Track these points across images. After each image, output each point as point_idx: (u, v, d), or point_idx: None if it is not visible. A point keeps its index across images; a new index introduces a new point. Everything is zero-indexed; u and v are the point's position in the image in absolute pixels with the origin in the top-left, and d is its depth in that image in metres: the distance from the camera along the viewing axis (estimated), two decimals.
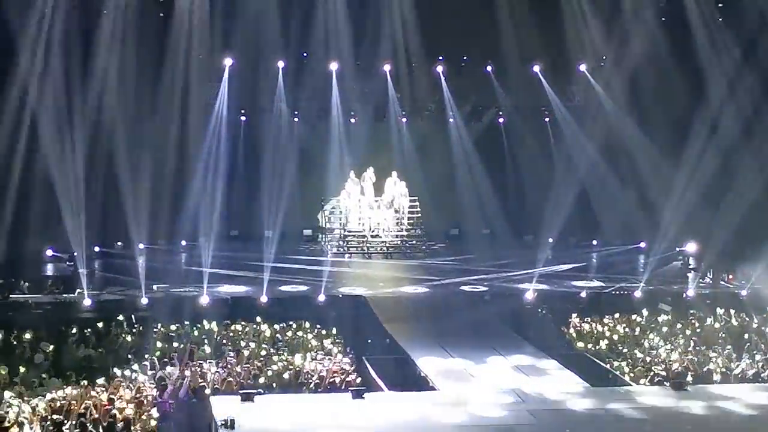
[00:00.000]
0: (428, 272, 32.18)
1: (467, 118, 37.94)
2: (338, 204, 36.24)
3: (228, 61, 33.99)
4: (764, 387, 22.22)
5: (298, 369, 22.52)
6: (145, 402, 20.15)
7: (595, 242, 36.87)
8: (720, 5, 32.72)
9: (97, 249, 32.19)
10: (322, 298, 27.96)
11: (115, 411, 19.44)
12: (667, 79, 32.50)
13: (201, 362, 22.68)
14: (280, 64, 34.74)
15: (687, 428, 19.51)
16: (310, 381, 22.07)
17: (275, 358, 23.21)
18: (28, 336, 23.92)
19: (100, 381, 20.99)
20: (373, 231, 35.51)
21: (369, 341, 25.34)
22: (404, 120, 37.76)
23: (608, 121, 34.51)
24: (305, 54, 34.55)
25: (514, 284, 30.26)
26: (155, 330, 24.92)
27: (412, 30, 33.09)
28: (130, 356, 23.10)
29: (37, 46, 29.89)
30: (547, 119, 37.71)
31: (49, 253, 31.92)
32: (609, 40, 33.42)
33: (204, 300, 27.40)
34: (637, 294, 29.19)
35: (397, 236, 35.74)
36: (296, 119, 36.79)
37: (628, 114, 34.08)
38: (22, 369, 21.62)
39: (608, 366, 23.77)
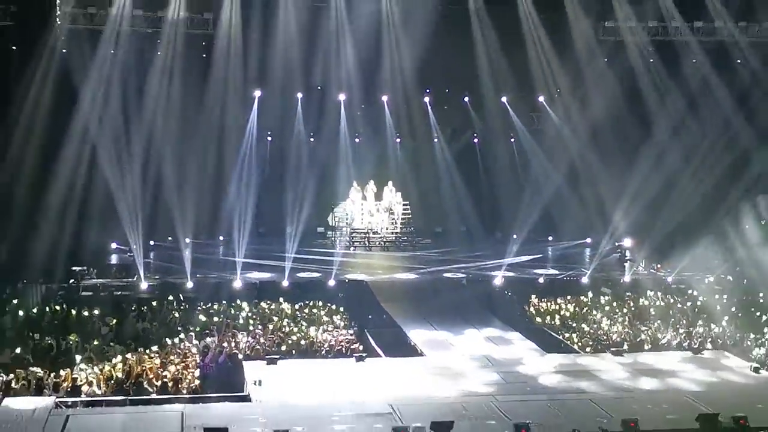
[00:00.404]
0: (417, 262, 32.18)
1: (448, 139, 37.94)
2: (345, 208, 36.26)
3: (257, 93, 34.07)
4: (685, 354, 22.42)
5: (312, 339, 22.62)
6: (191, 365, 20.25)
7: (550, 238, 36.85)
8: (652, 48, 32.77)
9: (152, 243, 32.24)
10: (332, 282, 28.00)
11: (166, 372, 19.60)
12: (616, 107, 32.45)
13: (235, 333, 22.78)
14: (299, 95, 34.87)
15: (624, 385, 19.71)
16: (322, 348, 22.18)
17: (294, 330, 23.27)
18: (96, 312, 23.95)
19: (154, 348, 21.13)
20: (373, 229, 35.58)
21: (369, 317, 25.36)
22: (398, 140, 37.81)
23: (563, 142, 34.56)
24: (319, 87, 34.64)
25: (486, 272, 30.29)
26: (199, 308, 24.95)
27: (406, 68, 33.13)
28: (179, 329, 23.13)
29: (100, 78, 29.92)
30: (513, 140, 37.70)
31: (114, 246, 31.95)
32: (564, 76, 33.46)
33: (237, 284, 27.44)
34: (584, 280, 29.23)
35: (392, 233, 35.77)
36: (312, 139, 36.84)
37: (580, 137, 34.05)
38: (94, 341, 21.61)
39: (561, 337, 23.87)
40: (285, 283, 27.54)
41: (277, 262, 29.79)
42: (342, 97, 34.91)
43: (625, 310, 25.75)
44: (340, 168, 36.17)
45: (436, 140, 37.63)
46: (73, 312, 24.01)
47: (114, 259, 31.31)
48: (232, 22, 31.48)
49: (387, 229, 35.63)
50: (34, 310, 24.47)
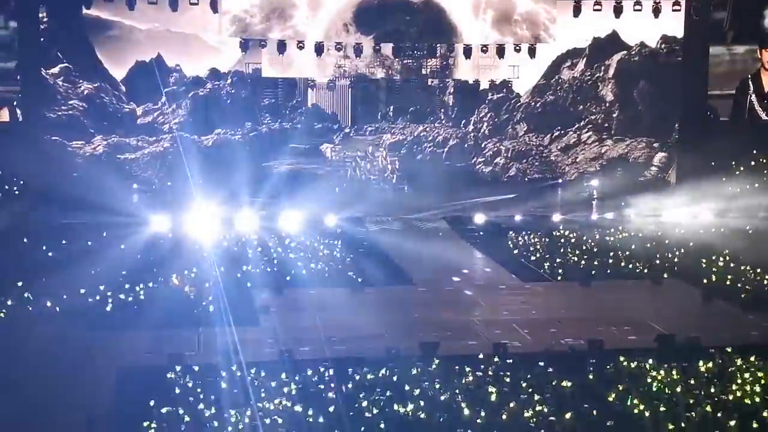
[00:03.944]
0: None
1: None
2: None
3: None
4: (645, 282, 22.38)
5: (312, 270, 22.09)
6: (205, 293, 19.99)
7: (526, 179, 35.87)
8: None
9: (168, 183, 31.55)
10: (331, 219, 27.47)
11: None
12: None
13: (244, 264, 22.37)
14: None
15: (591, 310, 19.77)
16: (322, 278, 21.84)
17: (297, 262, 22.70)
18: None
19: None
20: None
21: (364, 249, 24.88)
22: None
23: None
24: None
25: (468, 211, 29.87)
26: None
27: None
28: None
29: None
30: None
31: (135, 186, 30.93)
32: None
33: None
34: (555, 218, 29.00)
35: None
36: None
37: None
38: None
39: (535, 267, 23.74)
40: (289, 221, 27.12)
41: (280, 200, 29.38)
42: None
43: (592, 243, 25.51)
44: None
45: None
46: None
47: (135, 198, 30.66)
48: None
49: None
50: None
